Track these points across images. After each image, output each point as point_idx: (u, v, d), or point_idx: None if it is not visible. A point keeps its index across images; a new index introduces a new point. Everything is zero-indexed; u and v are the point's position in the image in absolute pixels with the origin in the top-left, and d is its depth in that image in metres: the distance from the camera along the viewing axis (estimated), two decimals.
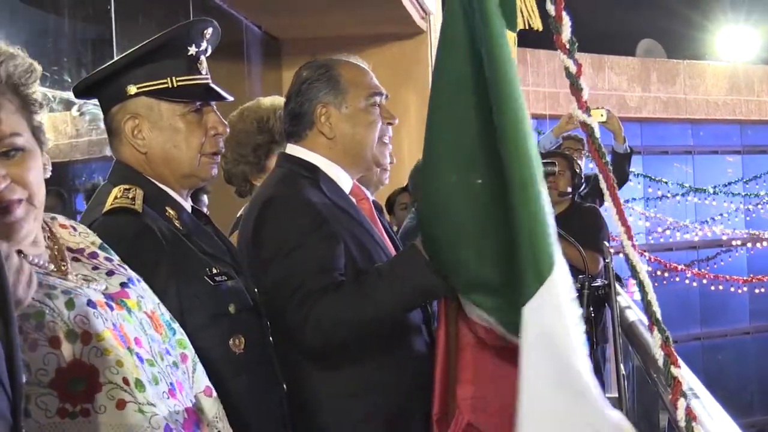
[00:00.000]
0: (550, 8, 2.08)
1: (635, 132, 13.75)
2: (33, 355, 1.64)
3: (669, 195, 14.72)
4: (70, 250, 1.91)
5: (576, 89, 2.06)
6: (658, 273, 14.22)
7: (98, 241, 1.99)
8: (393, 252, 2.85)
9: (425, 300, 2.69)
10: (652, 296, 2.02)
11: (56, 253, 1.87)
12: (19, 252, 1.73)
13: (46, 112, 1.84)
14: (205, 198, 5.58)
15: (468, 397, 2.59)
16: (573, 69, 2.05)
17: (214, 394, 2.00)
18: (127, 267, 1.98)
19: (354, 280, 2.63)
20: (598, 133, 2.08)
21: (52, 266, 1.82)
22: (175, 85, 2.33)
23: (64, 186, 4.77)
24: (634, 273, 2.03)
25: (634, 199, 14.12)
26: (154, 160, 2.35)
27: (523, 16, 2.42)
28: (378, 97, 2.83)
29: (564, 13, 2.08)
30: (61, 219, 2.00)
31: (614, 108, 10.85)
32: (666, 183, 14.48)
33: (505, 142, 2.09)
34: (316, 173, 2.79)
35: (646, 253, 13.77)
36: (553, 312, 1.99)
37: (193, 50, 2.37)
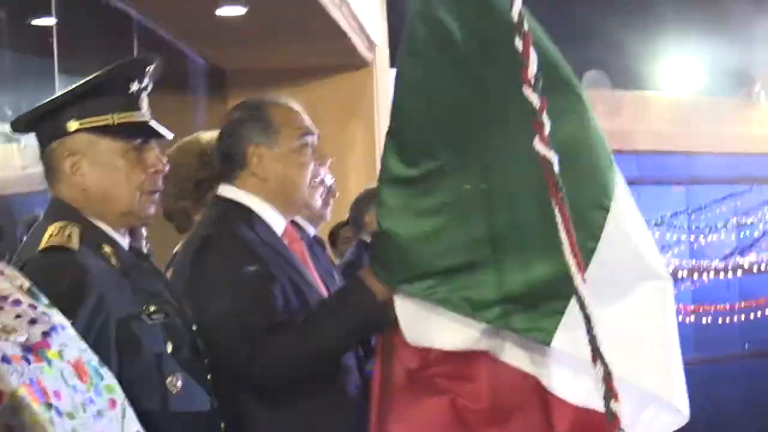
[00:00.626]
0: (519, 44, 2.12)
1: None
2: None
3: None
4: None
5: (539, 123, 2.10)
6: None
7: (26, 284, 1.93)
8: (325, 295, 2.83)
9: (371, 331, 2.68)
10: (596, 330, 2.05)
11: None
12: None
13: None
14: (143, 231, 5.53)
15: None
16: (537, 104, 2.09)
17: None
18: (52, 314, 1.90)
19: (293, 318, 2.62)
20: (557, 168, 2.13)
21: None
22: (116, 122, 2.30)
23: (8, 218, 4.70)
24: (582, 306, 2.06)
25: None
26: (92, 197, 2.31)
27: None
28: (309, 137, 2.82)
29: (531, 49, 2.11)
30: None
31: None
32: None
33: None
34: (250, 215, 2.77)
35: None
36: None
37: (135, 87, 2.34)
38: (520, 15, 2.13)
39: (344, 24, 7.19)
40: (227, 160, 2.82)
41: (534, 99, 2.10)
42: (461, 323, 2.52)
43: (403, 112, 2.57)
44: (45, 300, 1.94)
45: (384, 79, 8.49)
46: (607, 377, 2.03)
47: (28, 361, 1.75)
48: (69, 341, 1.87)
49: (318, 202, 2.91)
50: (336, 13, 6.88)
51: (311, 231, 3.77)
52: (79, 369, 1.85)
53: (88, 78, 2.32)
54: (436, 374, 2.58)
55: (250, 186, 2.79)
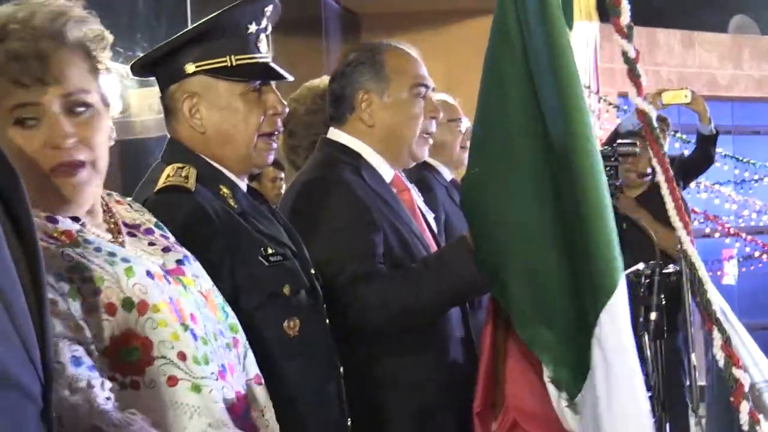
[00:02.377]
0: None
1: (725, 112, 13.43)
2: (89, 319, 1.61)
3: (758, 177, 14.35)
4: (126, 225, 1.88)
5: (634, 75, 1.98)
6: (757, 255, 13.90)
7: (153, 219, 1.98)
8: (433, 247, 2.77)
9: (471, 295, 2.64)
10: (711, 295, 1.96)
11: (112, 226, 1.85)
12: (77, 219, 1.74)
13: (115, 81, 1.82)
14: (280, 173, 5.57)
15: (513, 399, 2.54)
16: (632, 54, 1.98)
17: (263, 382, 1.97)
18: (181, 246, 1.94)
19: (394, 269, 2.58)
20: (655, 123, 2.01)
21: (109, 236, 1.80)
22: (234, 64, 2.31)
23: (147, 162, 4.78)
24: (692, 269, 1.97)
25: (723, 182, 13.81)
26: (210, 139, 2.32)
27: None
28: (423, 88, 2.77)
29: None
30: (117, 196, 1.98)
31: (704, 86, 10.60)
32: (754, 164, 14.14)
33: (573, 151, 2.10)
34: (358, 160, 2.75)
35: (743, 234, 13.47)
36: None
37: (253, 28, 2.34)
38: None
39: None
40: (337, 103, 2.80)
41: (629, 49, 1.99)
42: None
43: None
44: (171, 235, 1.98)
45: None
46: (725, 344, 1.94)
47: (168, 282, 1.78)
48: (200, 273, 1.90)
49: (425, 153, 2.85)
50: None
51: (448, 175, 3.73)
52: (210, 300, 1.87)
53: (203, 20, 2.32)
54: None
55: (358, 131, 2.77)
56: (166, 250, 1.87)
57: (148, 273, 1.74)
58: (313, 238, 2.59)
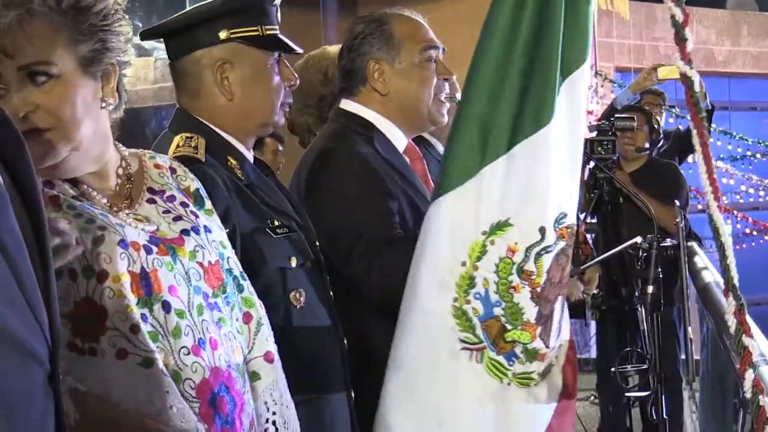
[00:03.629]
0: None
1: (723, 87, 13.42)
2: (57, 283, 1.61)
3: (755, 154, 14.35)
4: (151, 190, 1.90)
5: (681, 39, 2.00)
6: (747, 232, 13.92)
7: (195, 185, 1.99)
8: None
9: None
10: (731, 260, 1.96)
11: (126, 190, 1.86)
12: (76, 181, 1.76)
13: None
14: (279, 147, 5.58)
15: None
16: (680, 18, 1.99)
17: (276, 359, 1.98)
18: (205, 217, 1.95)
19: (411, 235, 2.57)
20: (697, 87, 2.02)
21: (104, 201, 1.81)
22: (264, 34, 2.33)
23: (140, 130, 4.79)
24: (716, 235, 1.98)
25: (719, 157, 13.81)
26: (237, 106, 2.33)
27: None
28: (433, 51, 2.77)
29: None
30: (160, 159, 2.00)
31: (701, 62, 10.59)
32: (751, 141, 14.13)
33: None
34: (371, 130, 2.74)
35: (736, 212, 13.49)
36: None
37: (277, 0, 2.38)
38: None
39: None
40: (348, 76, 2.79)
41: (677, 12, 2.00)
42: None
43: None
44: (208, 205, 1.99)
45: None
46: (739, 311, 1.95)
47: (149, 251, 1.78)
48: (209, 245, 1.89)
49: (444, 117, 2.86)
50: None
51: (441, 149, 3.73)
52: (211, 273, 1.86)
53: None
54: None
55: (371, 102, 2.76)
56: (177, 218, 1.87)
57: (122, 242, 1.74)
58: (329, 208, 2.60)
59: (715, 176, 2.00)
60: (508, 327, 2.36)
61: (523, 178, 2.32)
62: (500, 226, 2.32)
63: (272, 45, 2.35)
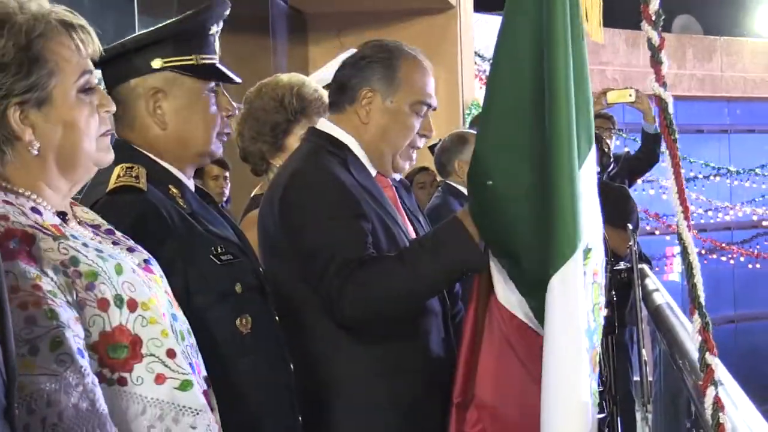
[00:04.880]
0: None
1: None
2: (81, 314, 1.61)
3: (700, 176, 14.55)
4: (87, 225, 1.86)
5: (656, 62, 2.03)
6: (703, 252, 14.10)
7: (103, 222, 1.94)
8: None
9: (465, 273, 2.64)
10: (698, 279, 1.99)
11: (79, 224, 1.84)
12: (63, 214, 1.74)
13: None
14: (226, 175, 5.56)
15: (484, 394, 2.57)
16: (656, 41, 2.02)
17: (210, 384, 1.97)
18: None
19: (387, 254, 2.60)
20: (672, 109, 2.06)
21: (90, 233, 1.79)
22: (199, 63, 2.32)
23: None
24: (684, 254, 2.01)
25: (667, 179, 13.97)
26: (171, 136, 2.31)
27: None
28: (426, 107, 2.76)
29: None
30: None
31: (648, 85, 10.68)
32: (697, 163, 14.33)
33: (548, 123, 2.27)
34: (345, 151, 2.74)
35: (694, 231, 13.68)
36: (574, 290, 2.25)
37: (214, 30, 2.37)
38: None
39: None
40: (340, 91, 2.78)
41: (653, 36, 2.03)
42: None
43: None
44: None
45: (468, 23, 8.37)
46: (704, 329, 1.97)
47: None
48: (162, 273, 1.88)
49: (407, 166, 2.87)
50: None
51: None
52: (173, 300, 1.85)
53: (174, 19, 2.34)
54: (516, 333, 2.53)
55: (351, 124, 2.76)
56: (130, 250, 1.84)
57: (134, 270, 1.74)
58: (304, 228, 2.60)
59: (686, 197, 2.03)
60: (597, 350, 2.40)
61: (587, 198, 2.34)
62: (586, 255, 2.33)
63: (207, 74, 2.34)
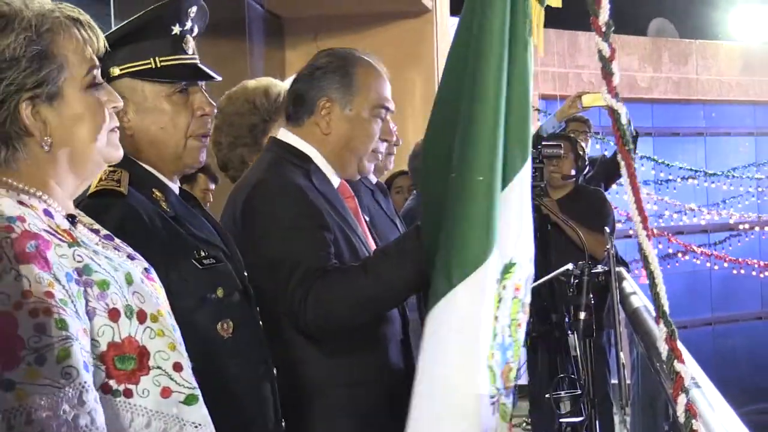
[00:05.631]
0: None
1: (646, 113, 13.67)
2: (89, 324, 1.59)
3: (677, 179, 14.62)
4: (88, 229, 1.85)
5: (608, 73, 2.03)
6: (670, 252, 14.16)
7: (101, 227, 1.92)
8: None
9: (428, 281, 2.63)
10: (661, 288, 1.99)
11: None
12: (72, 217, 1.73)
13: None
14: (209, 181, 5.55)
15: None
16: (607, 53, 2.03)
17: None
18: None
19: (349, 264, 2.61)
20: (624, 119, 2.06)
21: (96, 239, 1.77)
22: (159, 66, 2.29)
23: None
24: (646, 263, 2.00)
25: (644, 182, 14.03)
26: (139, 142, 2.29)
27: None
28: (385, 111, 2.78)
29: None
30: None
31: (624, 89, 10.73)
32: (673, 166, 14.39)
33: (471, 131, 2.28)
34: (308, 163, 2.74)
35: (667, 234, 13.70)
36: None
37: (177, 29, 2.32)
38: None
39: None
40: (297, 103, 2.78)
41: (604, 47, 2.03)
42: None
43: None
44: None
45: (444, 26, 8.37)
46: (670, 337, 1.97)
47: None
48: (161, 283, 1.86)
49: (371, 171, 2.88)
50: None
51: (373, 179, 3.77)
52: (170, 311, 1.83)
53: (125, 23, 2.30)
54: None
55: (311, 136, 2.76)
56: (130, 257, 1.81)
57: (142, 281, 1.72)
58: (266, 238, 2.59)
59: (643, 205, 2.03)
60: (512, 366, 2.38)
61: (516, 213, 2.34)
62: (507, 269, 2.32)
63: (169, 76, 2.30)
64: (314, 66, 2.76)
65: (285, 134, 2.79)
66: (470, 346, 2.27)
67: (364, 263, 2.60)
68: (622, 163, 2.04)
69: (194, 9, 2.35)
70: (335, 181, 2.80)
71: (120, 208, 2.15)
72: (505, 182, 2.32)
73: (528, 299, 2.42)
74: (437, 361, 2.29)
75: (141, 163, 2.29)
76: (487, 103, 2.27)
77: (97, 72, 1.72)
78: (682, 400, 1.97)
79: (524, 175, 2.37)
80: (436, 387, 2.30)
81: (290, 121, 2.80)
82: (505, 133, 2.30)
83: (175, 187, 2.35)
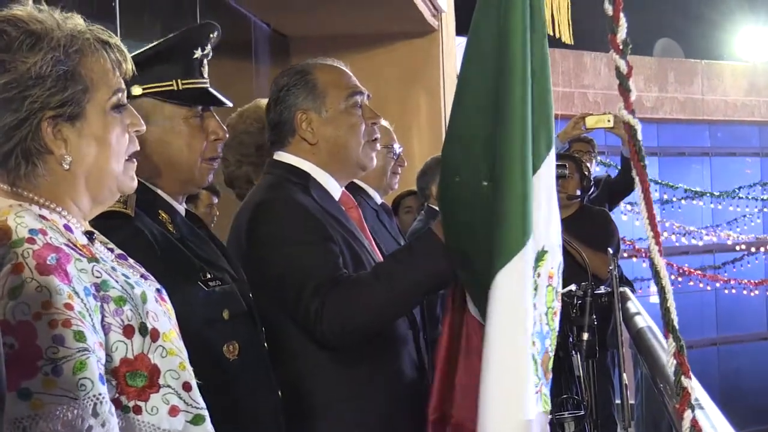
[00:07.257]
0: (608, 8, 2.07)
1: (651, 133, 13.68)
2: (105, 339, 1.60)
3: (681, 200, 14.61)
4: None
5: (625, 90, 2.05)
6: (672, 277, 14.13)
7: (114, 246, 1.92)
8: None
9: (440, 283, 2.65)
10: (671, 303, 2.00)
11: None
12: (90, 234, 1.74)
13: None
14: (213, 199, 5.56)
15: (460, 412, 2.54)
16: (624, 70, 2.05)
17: None
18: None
19: (360, 272, 2.62)
20: (641, 136, 2.09)
21: (112, 256, 1.78)
22: (181, 88, 2.31)
23: None
24: (657, 279, 2.02)
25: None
26: (153, 163, 2.30)
27: (554, 22, 2.46)
28: (358, 96, 2.80)
29: (621, 14, 2.07)
30: None
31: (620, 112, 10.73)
32: (677, 188, 14.39)
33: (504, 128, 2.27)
34: (306, 179, 2.76)
35: (670, 263, 13.70)
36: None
37: (198, 53, 2.34)
38: None
39: None
40: (277, 129, 2.80)
41: (621, 65, 2.06)
42: None
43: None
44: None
45: (450, 46, 8.39)
46: (679, 351, 1.98)
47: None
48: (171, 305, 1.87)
49: (374, 161, 2.88)
50: None
51: (378, 199, 3.77)
52: (179, 333, 1.84)
53: (152, 44, 2.32)
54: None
55: (302, 152, 2.78)
56: (143, 277, 1.81)
57: (156, 300, 1.73)
58: (273, 256, 2.60)
59: (656, 221, 2.04)
60: (551, 354, 2.37)
61: (545, 200, 2.34)
62: (540, 257, 2.32)
63: (189, 99, 2.32)
64: (277, 90, 2.80)
65: (281, 155, 2.82)
66: (516, 336, 2.24)
67: (375, 269, 2.62)
68: (637, 179, 2.06)
69: (215, 34, 2.38)
70: (336, 193, 2.81)
71: (126, 229, 2.15)
72: (534, 169, 2.31)
73: (560, 288, 2.41)
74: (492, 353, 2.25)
75: (148, 185, 2.29)
76: (516, 94, 2.26)
77: (123, 95, 1.73)
78: (687, 415, 1.98)
79: (550, 162, 2.36)
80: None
81: (276, 146, 2.82)
82: (531, 121, 2.30)
83: (181, 208, 2.36)
